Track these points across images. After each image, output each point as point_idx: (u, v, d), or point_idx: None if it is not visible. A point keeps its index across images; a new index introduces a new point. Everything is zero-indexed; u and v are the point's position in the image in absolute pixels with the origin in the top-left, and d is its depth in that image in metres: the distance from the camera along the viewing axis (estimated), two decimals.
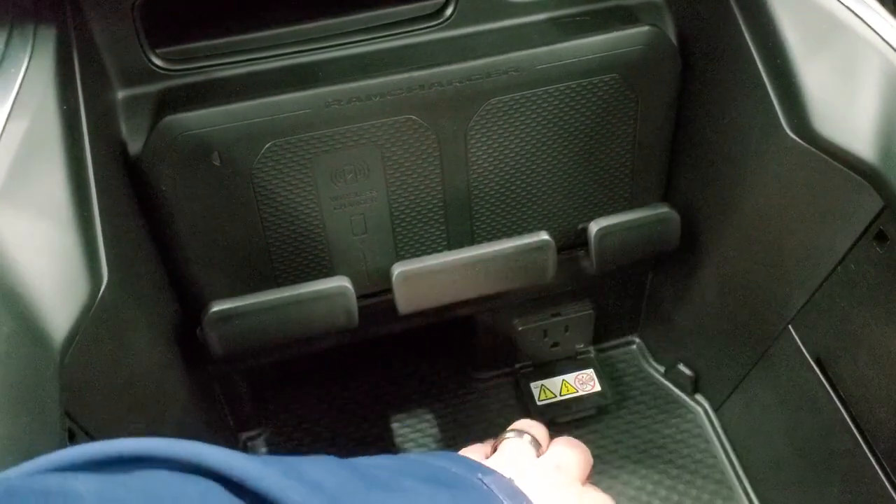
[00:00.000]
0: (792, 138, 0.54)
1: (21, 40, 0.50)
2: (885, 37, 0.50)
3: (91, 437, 0.47)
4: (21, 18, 0.50)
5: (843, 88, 0.51)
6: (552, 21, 0.63)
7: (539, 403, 0.81)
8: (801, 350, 0.61)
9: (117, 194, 0.55)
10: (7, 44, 0.49)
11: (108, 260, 0.49)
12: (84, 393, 0.47)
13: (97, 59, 0.56)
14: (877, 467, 0.55)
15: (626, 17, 0.64)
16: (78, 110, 0.51)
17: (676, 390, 0.81)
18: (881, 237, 0.50)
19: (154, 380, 0.58)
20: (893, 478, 0.53)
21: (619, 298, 0.81)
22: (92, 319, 0.47)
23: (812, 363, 0.60)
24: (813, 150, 0.52)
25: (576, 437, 0.52)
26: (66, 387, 0.44)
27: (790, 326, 0.62)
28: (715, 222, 0.67)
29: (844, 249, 0.54)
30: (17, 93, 0.47)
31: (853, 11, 0.52)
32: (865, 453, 0.55)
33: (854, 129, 0.50)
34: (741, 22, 0.57)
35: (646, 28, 0.61)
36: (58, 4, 0.52)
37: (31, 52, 0.49)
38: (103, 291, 0.48)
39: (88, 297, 0.46)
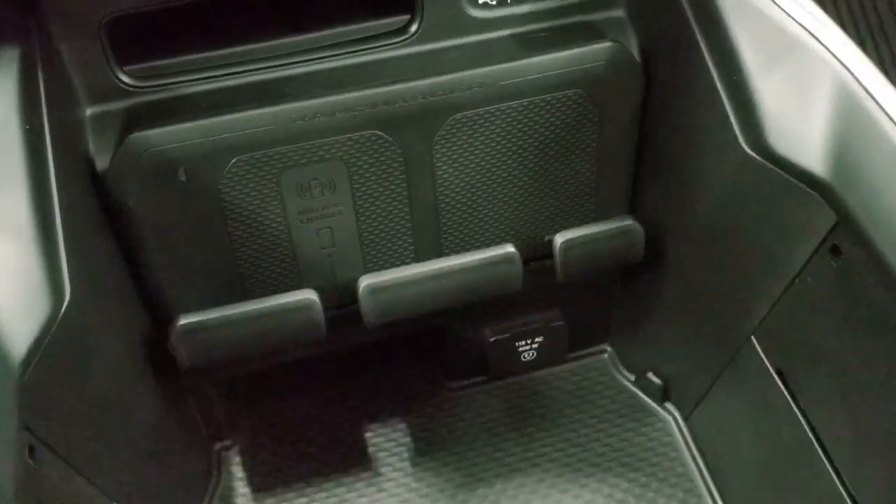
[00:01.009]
0: (748, 153, 0.55)
1: None
2: (836, 53, 0.51)
3: (53, 453, 0.48)
4: None
5: (797, 104, 0.52)
6: (516, 37, 0.64)
7: None
8: (763, 361, 0.62)
9: (83, 210, 0.55)
10: None
11: (70, 276, 0.49)
12: (48, 409, 0.48)
13: (65, 76, 0.57)
14: (836, 480, 0.56)
15: (589, 32, 0.64)
16: (42, 128, 0.51)
17: (647, 398, 0.82)
18: (835, 251, 0.51)
19: (123, 392, 0.59)
20: (852, 491, 0.54)
21: (589, 308, 0.82)
22: (55, 336, 0.47)
23: (774, 375, 0.61)
24: (769, 165, 0.53)
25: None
26: (28, 403, 0.45)
27: (753, 337, 0.63)
28: (678, 234, 0.68)
29: (801, 262, 0.55)
30: None
31: (805, 28, 0.53)
32: (825, 465, 0.56)
33: (807, 144, 0.51)
34: (700, 38, 0.58)
35: (608, 44, 0.62)
36: (22, 24, 0.53)
37: None
38: (66, 307, 0.48)
39: (50, 314, 0.47)
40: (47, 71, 0.54)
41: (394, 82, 0.60)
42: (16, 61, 0.51)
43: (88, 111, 0.59)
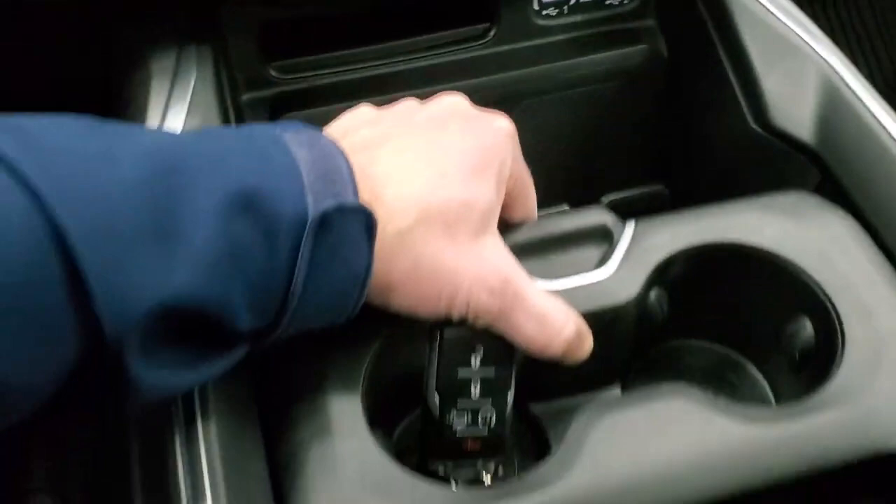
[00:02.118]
0: (753, 127, 0.71)
1: (187, 58, 0.67)
2: (821, 54, 0.68)
3: None
4: (186, 40, 0.68)
5: (791, 91, 0.68)
6: (571, 40, 0.81)
7: None
8: None
9: None
10: (178, 60, 0.67)
11: None
12: None
13: (231, 69, 0.73)
14: None
15: (627, 37, 0.81)
16: (227, 109, 0.68)
17: None
18: None
19: None
20: None
21: None
22: None
23: None
24: (769, 136, 0.70)
25: None
26: None
27: None
28: (697, 194, 0.85)
29: None
30: (191, 97, 0.65)
31: (799, 36, 0.70)
32: None
33: (798, 120, 0.67)
34: (716, 40, 0.75)
35: (643, 46, 0.80)
36: (207, 29, 0.70)
37: (196, 66, 0.67)
38: None
39: None
40: (223, 64, 0.71)
41: (476, 76, 0.76)
42: (208, 57, 0.68)
43: (245, 97, 0.75)
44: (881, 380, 0.52)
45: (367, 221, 0.46)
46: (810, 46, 0.69)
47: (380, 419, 0.57)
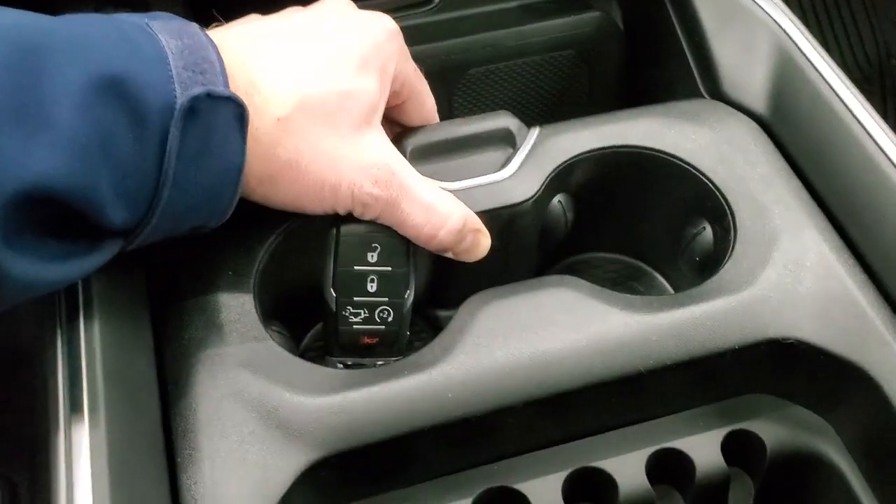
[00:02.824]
0: (708, 100, 0.67)
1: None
2: (776, 19, 0.66)
3: None
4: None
5: (744, 60, 0.65)
6: (521, 7, 0.79)
7: None
8: None
9: None
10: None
11: None
12: None
13: None
14: None
15: (581, 4, 0.79)
16: None
17: None
18: None
19: None
20: None
21: None
22: None
23: None
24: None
25: None
26: None
27: None
28: None
29: None
30: None
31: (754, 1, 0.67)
32: None
33: (751, 90, 0.64)
34: (670, 9, 0.72)
35: (597, 14, 0.78)
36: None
37: None
38: None
39: None
40: None
41: (420, 43, 0.74)
42: None
43: None
44: (768, 272, 0.52)
45: (238, 111, 0.45)
46: (763, 10, 0.67)
47: (283, 317, 0.58)
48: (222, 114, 0.44)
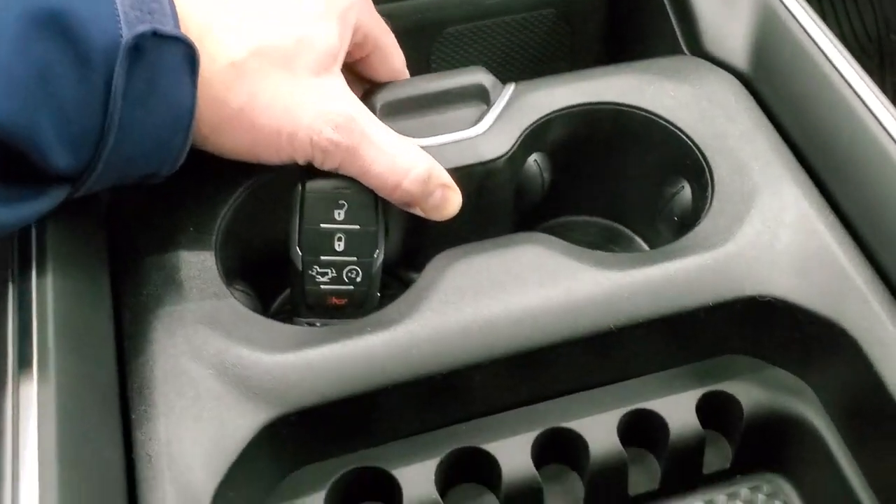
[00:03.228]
0: (688, 56, 0.66)
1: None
2: None
3: None
4: None
5: (725, 17, 0.63)
6: None
7: None
8: None
9: None
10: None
11: None
12: None
13: None
14: None
15: None
16: None
17: None
18: None
19: None
20: None
21: None
22: None
23: None
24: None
25: None
26: None
27: None
28: None
29: None
30: None
31: None
32: None
33: (733, 47, 0.62)
34: None
35: None
36: None
37: None
38: None
39: None
40: None
41: (392, 0, 0.71)
42: None
43: None
44: (746, 228, 0.51)
45: (187, 52, 0.43)
46: None
47: (251, 278, 0.56)
48: (170, 55, 0.43)
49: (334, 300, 0.53)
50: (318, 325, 0.53)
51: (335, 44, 0.49)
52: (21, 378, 0.41)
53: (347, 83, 0.51)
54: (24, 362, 0.42)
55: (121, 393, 0.46)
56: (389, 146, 0.49)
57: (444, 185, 0.51)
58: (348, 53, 0.52)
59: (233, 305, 0.48)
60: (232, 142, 0.48)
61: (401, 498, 0.47)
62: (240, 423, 0.44)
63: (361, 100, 0.56)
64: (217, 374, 0.45)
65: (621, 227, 0.63)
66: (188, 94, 0.44)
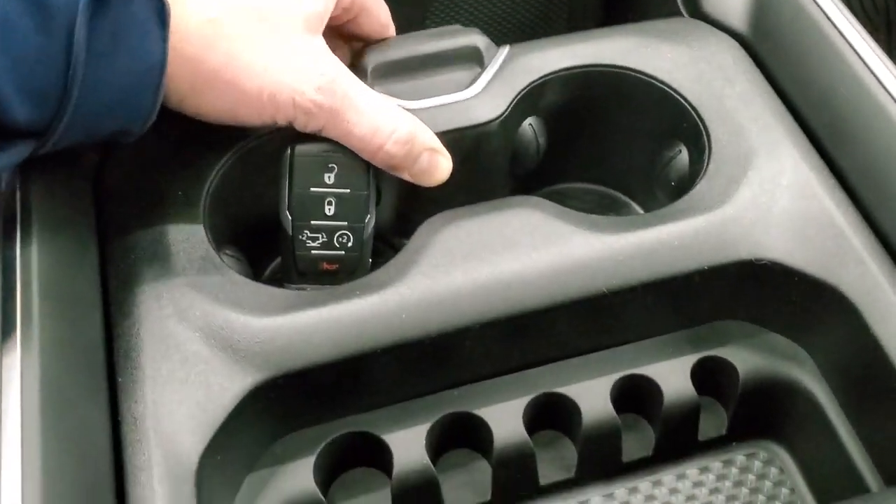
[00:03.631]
0: (687, 18, 0.64)
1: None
2: None
3: None
4: None
5: None
6: None
7: None
8: None
9: None
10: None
11: None
12: None
13: None
14: None
15: None
16: None
17: None
18: None
19: None
20: None
21: None
22: None
23: None
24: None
25: None
26: None
27: None
28: None
29: None
30: None
31: None
32: None
33: (732, 8, 0.60)
34: None
35: None
36: None
37: None
38: None
39: None
40: None
41: None
42: None
43: None
44: (743, 190, 0.50)
45: (156, 5, 0.42)
46: None
47: (242, 245, 0.56)
48: (137, 7, 0.41)
49: (325, 266, 0.52)
50: (309, 288, 0.53)
51: (319, 6, 0.48)
52: (4, 341, 0.41)
53: (332, 44, 0.50)
54: (7, 325, 0.41)
55: (107, 357, 0.45)
56: (372, 108, 0.48)
57: (432, 148, 0.51)
58: (336, 17, 0.51)
59: (221, 269, 0.48)
60: (211, 103, 0.47)
61: (392, 463, 0.47)
62: (227, 387, 0.44)
63: (352, 61, 0.55)
64: (204, 337, 0.45)
65: (618, 194, 0.62)
66: (158, 50, 0.43)
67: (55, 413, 0.40)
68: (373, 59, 0.54)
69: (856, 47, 0.52)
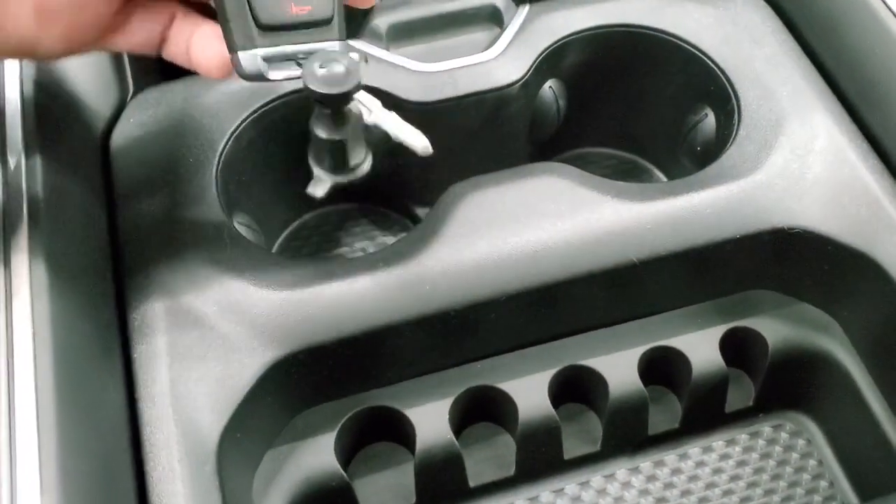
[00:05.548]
0: None
1: None
2: None
3: None
4: None
5: None
6: None
7: None
8: None
9: None
10: None
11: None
12: None
13: None
14: None
15: None
16: None
17: None
18: None
19: None
20: None
21: None
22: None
23: None
24: None
25: None
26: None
27: None
28: None
29: None
30: None
31: None
32: None
33: None
34: None
35: None
36: None
37: None
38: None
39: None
40: None
41: None
42: None
43: None
44: (774, 157, 0.48)
45: None
46: None
47: (254, 213, 0.54)
48: None
49: (295, 9, 0.41)
50: (275, 53, 0.40)
51: None
52: (14, 318, 0.39)
53: None
54: (17, 301, 0.40)
55: (120, 330, 0.44)
56: None
57: None
58: None
59: (236, 238, 0.46)
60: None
61: (414, 438, 0.46)
62: (246, 363, 0.42)
63: (365, 22, 0.53)
64: (221, 311, 0.43)
65: (640, 160, 0.61)
66: None
67: (70, 391, 0.38)
68: (388, 19, 0.52)
69: (891, 6, 0.50)
